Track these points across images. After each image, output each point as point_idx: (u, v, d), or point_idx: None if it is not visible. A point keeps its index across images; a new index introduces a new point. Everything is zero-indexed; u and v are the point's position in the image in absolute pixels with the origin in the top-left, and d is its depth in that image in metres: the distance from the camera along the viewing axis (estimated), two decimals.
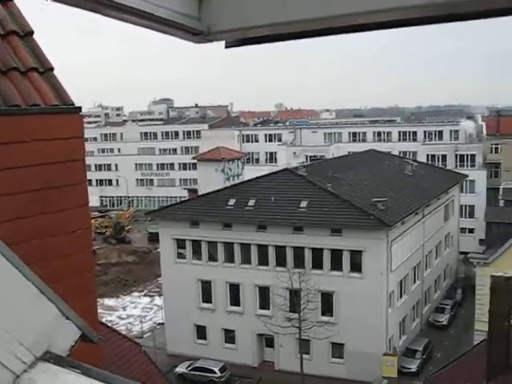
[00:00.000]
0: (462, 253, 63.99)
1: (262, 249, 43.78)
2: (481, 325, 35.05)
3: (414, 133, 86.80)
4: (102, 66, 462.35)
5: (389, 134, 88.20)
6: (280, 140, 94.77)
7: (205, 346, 46.01)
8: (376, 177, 51.39)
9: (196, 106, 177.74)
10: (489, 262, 40.17)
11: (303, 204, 42.63)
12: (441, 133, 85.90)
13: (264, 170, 61.94)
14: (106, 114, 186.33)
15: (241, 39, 2.31)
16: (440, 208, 56.90)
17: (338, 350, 42.76)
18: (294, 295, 41.00)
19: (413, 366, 43.19)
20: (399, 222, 42.37)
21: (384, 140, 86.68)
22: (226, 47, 2.37)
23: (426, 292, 53.33)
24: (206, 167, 52.84)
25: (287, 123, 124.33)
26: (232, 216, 44.47)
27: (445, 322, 52.57)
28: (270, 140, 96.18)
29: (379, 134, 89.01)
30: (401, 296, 45.59)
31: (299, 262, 42.14)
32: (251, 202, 44.20)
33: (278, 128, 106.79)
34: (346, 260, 41.55)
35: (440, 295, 57.90)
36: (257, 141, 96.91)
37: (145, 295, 63.35)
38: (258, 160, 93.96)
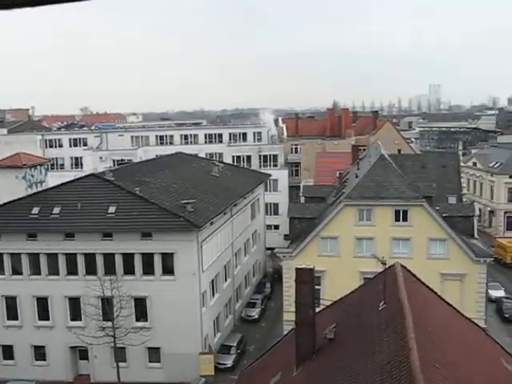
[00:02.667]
0: (268, 248, 67.00)
1: (71, 258, 42.10)
2: (289, 315, 36.89)
3: (220, 135, 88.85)
4: None
5: (195, 136, 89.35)
6: (86, 144, 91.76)
7: (12, 366, 43.19)
8: (184, 179, 51.88)
9: None
10: (293, 255, 42.46)
11: (111, 209, 41.70)
12: (245, 134, 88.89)
13: (69, 175, 59.66)
14: None
15: None
16: (247, 207, 59.00)
17: (154, 354, 42.49)
18: (107, 303, 39.97)
19: (228, 362, 44.33)
20: (208, 223, 43.17)
21: (191, 142, 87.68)
22: None
23: (238, 289, 55.00)
24: (6, 174, 49.47)
25: (93, 127, 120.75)
26: (36, 225, 42.18)
27: (256, 316, 54.66)
28: (75, 145, 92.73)
29: (186, 136, 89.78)
30: (213, 295, 46.49)
31: (110, 269, 41.22)
32: (56, 210, 42.27)
33: (83, 132, 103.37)
34: (157, 263, 41.41)
35: (250, 291, 60.04)
36: (61, 146, 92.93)
37: None
38: (62, 165, 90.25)
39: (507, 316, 55.23)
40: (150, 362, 42.70)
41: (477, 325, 26.04)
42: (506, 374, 20.59)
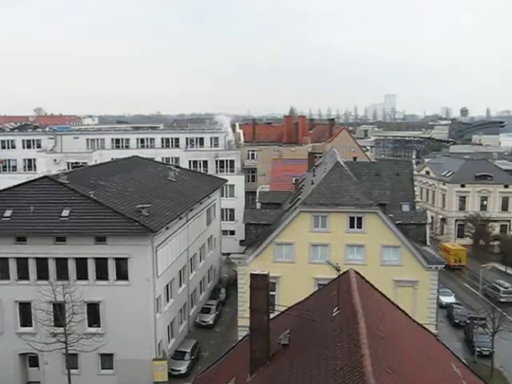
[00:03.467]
0: (224, 254, 66.95)
1: (22, 262, 41.15)
2: (243, 321, 36.94)
3: (177, 139, 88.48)
4: None
5: (152, 140, 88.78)
6: (39, 146, 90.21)
7: None
8: (140, 183, 51.40)
9: None
10: (249, 261, 42.53)
11: (65, 213, 40.98)
12: (202, 139, 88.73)
13: (22, 177, 58.52)
14: None
15: None
16: (203, 212, 58.84)
17: (107, 360, 41.88)
18: (59, 308, 39.20)
19: (182, 368, 44.07)
20: (164, 228, 42.88)
21: (147, 146, 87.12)
22: None
23: (192, 294, 54.75)
24: None
25: (47, 129, 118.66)
26: None
27: (211, 322, 54.52)
28: (29, 146, 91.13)
29: (142, 140, 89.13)
30: (168, 300, 46.14)
31: (63, 274, 40.49)
32: (8, 213, 41.30)
33: (36, 134, 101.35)
34: (111, 268, 40.87)
35: (205, 296, 59.86)
36: (14, 147, 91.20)
37: None
38: (15, 167, 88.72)
39: (457, 321, 56.55)
40: (103, 368, 42.05)
41: (428, 330, 26.52)
42: (455, 379, 21.04)
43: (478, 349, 48.00)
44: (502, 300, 60.23)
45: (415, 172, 62.57)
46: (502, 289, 63.09)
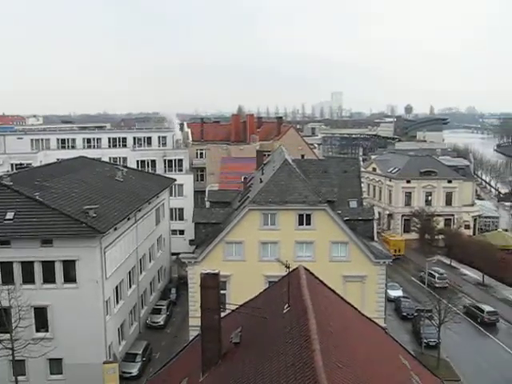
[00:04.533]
0: (174, 254, 66.55)
1: None
2: (195, 321, 36.79)
3: (124, 139, 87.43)
4: None
5: (99, 140, 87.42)
6: None
7: None
8: (87, 184, 50.57)
9: None
10: (199, 260, 42.41)
11: (9, 215, 39.97)
12: (150, 139, 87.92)
13: None
14: None
15: None
16: (151, 212, 58.36)
17: (56, 365, 41.07)
18: (4, 314, 38.14)
19: (134, 370, 43.69)
20: (112, 229, 42.32)
21: (94, 146, 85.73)
22: None
23: (143, 295, 54.26)
24: None
25: None
26: None
27: (162, 323, 54.17)
28: None
29: (89, 140, 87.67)
30: (117, 302, 45.60)
31: (8, 278, 39.47)
32: None
33: None
34: (59, 271, 40.08)
35: (156, 297, 59.41)
36: None
37: None
38: None
39: (405, 314, 57.89)
40: (52, 373, 41.23)
41: (377, 324, 27.00)
42: (403, 370, 21.51)
43: (425, 340, 49.27)
44: (437, 285, 63.22)
45: (362, 169, 63.48)
46: (437, 275, 67.13)
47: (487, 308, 58.23)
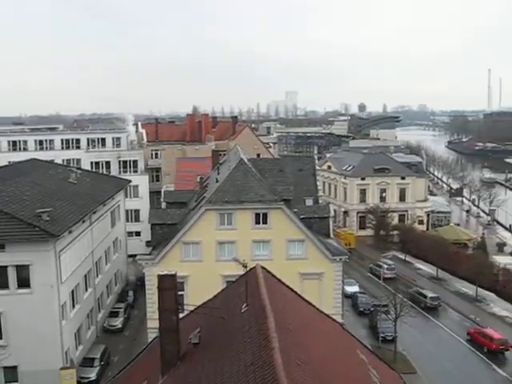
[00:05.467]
0: (130, 255, 65.86)
1: None
2: (153, 323, 36.45)
3: (78, 140, 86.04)
4: None
5: (51, 141, 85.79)
6: None
7: None
8: (40, 187, 49.58)
9: None
10: (156, 261, 42.07)
11: None
12: (104, 140, 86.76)
13: None
14: None
15: None
16: (107, 214, 57.64)
17: (11, 373, 40.05)
18: None
19: (92, 375, 43.11)
20: (66, 232, 41.65)
21: (46, 148, 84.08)
22: None
23: (99, 298, 53.55)
24: None
25: None
26: None
27: (119, 326, 53.59)
28: None
29: (41, 142, 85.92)
30: (74, 306, 44.88)
31: None
32: None
33: None
34: (12, 277, 39.16)
35: (113, 300, 58.71)
36: None
37: None
38: None
39: (362, 310, 58.75)
40: (7, 382, 40.19)
41: (335, 320, 27.29)
42: (360, 365, 21.81)
43: (382, 334, 50.08)
44: (385, 276, 65.19)
45: (317, 167, 64.02)
46: (385, 266, 69.73)
47: (430, 294, 61.74)
